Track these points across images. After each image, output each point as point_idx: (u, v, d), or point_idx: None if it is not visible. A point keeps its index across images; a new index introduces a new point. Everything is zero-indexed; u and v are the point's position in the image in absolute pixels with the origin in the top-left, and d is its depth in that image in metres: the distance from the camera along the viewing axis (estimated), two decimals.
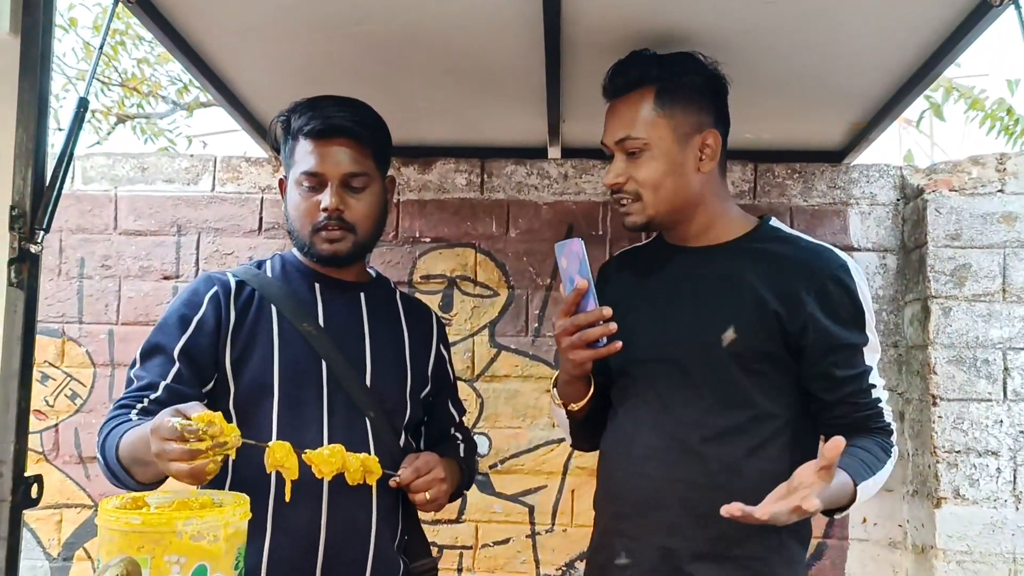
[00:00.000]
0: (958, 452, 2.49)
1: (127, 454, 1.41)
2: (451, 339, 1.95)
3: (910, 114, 4.51)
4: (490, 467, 2.74)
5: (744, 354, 1.55)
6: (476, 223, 2.81)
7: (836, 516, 1.51)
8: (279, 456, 1.40)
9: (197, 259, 2.82)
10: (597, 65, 1.67)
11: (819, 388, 1.56)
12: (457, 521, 2.75)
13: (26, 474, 1.41)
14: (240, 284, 1.66)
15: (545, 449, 2.73)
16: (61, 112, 5.19)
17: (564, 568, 2.72)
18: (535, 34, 1.82)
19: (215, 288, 1.63)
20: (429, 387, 1.79)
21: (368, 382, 1.65)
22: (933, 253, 2.55)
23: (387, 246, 2.78)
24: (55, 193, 1.43)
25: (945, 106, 4.55)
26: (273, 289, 1.66)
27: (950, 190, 2.58)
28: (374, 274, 1.82)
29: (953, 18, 1.73)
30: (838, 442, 1.29)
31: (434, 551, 1.83)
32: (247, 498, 1.30)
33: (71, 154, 1.47)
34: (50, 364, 2.81)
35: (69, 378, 2.81)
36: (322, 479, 1.49)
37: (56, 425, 2.80)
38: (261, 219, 2.84)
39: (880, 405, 1.56)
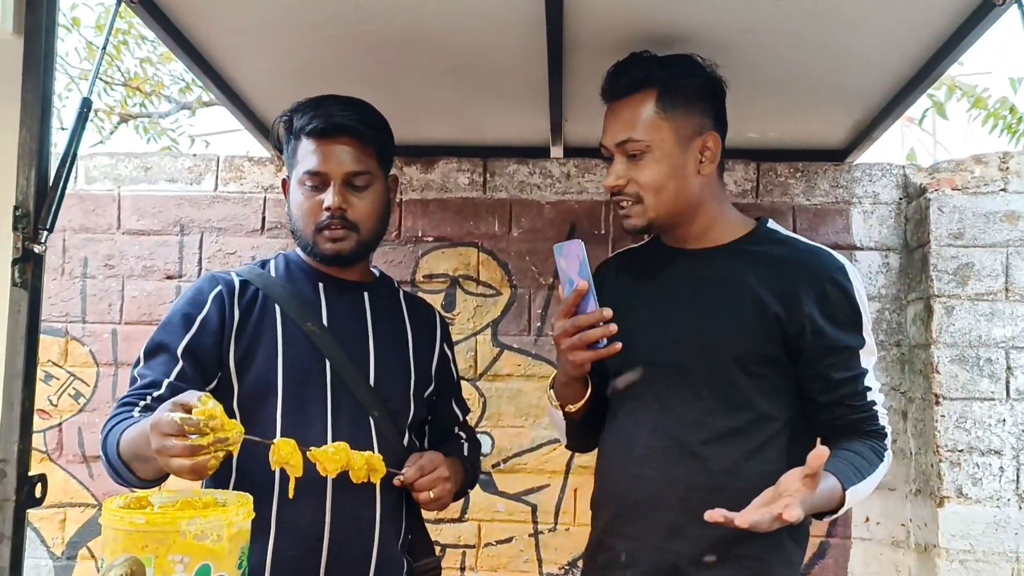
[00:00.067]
0: (961, 451, 2.49)
1: (128, 450, 1.41)
2: (454, 338, 1.95)
3: (913, 113, 4.51)
4: (493, 466, 2.74)
5: (744, 356, 1.55)
6: (479, 222, 2.81)
7: (825, 519, 1.51)
8: (284, 453, 1.40)
9: (200, 259, 2.83)
10: (599, 64, 1.67)
11: (815, 389, 1.56)
12: (460, 520, 2.75)
13: (30, 473, 1.41)
14: (244, 283, 1.66)
15: (548, 448, 2.73)
16: (64, 112, 5.20)
17: (567, 567, 2.72)
18: (537, 33, 1.82)
19: (219, 287, 1.64)
20: (433, 386, 1.79)
21: (372, 381, 1.65)
22: (936, 252, 2.54)
23: (390, 245, 2.78)
24: (58, 193, 1.43)
25: (948, 105, 4.55)
26: (277, 288, 1.66)
27: (953, 189, 2.58)
28: (377, 273, 1.83)
29: (956, 17, 1.73)
30: (822, 451, 1.31)
31: (437, 550, 1.83)
32: (250, 497, 1.30)
33: (74, 154, 1.47)
34: (54, 363, 2.81)
35: (73, 377, 2.82)
36: (326, 478, 1.50)
37: (60, 424, 2.81)
38: (264, 219, 2.84)
39: (875, 408, 1.56)
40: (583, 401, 1.65)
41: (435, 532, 2.65)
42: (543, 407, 2.75)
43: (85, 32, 5.35)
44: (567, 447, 1.86)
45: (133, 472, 1.43)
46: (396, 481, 1.58)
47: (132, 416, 1.47)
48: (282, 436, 1.47)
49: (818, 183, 2.76)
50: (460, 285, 2.80)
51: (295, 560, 1.55)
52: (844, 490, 1.43)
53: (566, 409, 1.67)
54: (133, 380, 1.57)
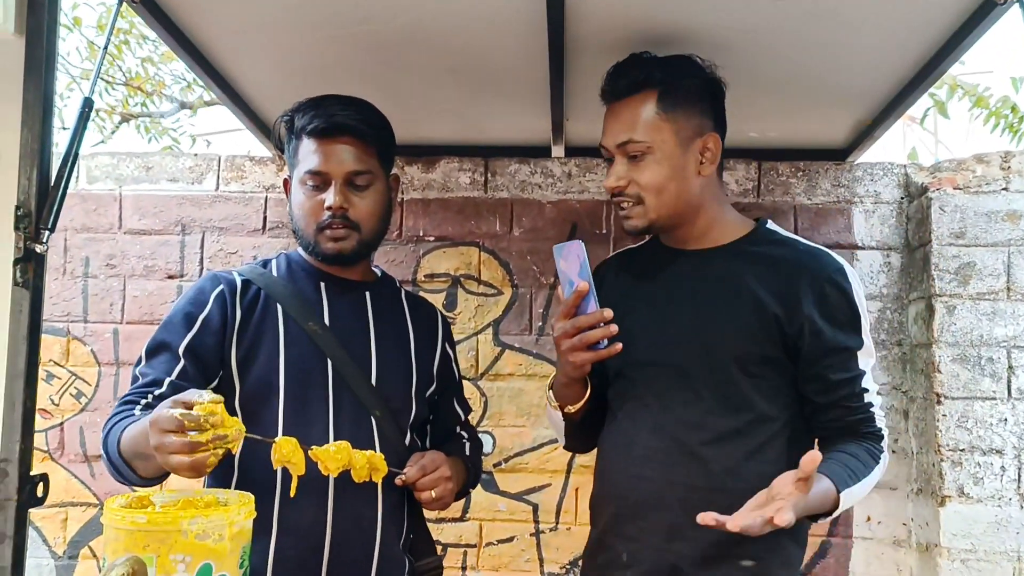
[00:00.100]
0: (962, 450, 2.49)
1: (129, 448, 1.41)
2: (455, 338, 1.95)
3: (914, 112, 4.50)
4: (494, 466, 2.74)
5: (744, 357, 1.55)
6: (480, 222, 2.81)
7: (819, 521, 1.52)
8: (286, 452, 1.40)
9: (201, 258, 2.83)
10: (601, 63, 1.67)
11: (813, 391, 1.57)
12: (461, 519, 2.75)
13: (32, 473, 1.41)
14: (246, 283, 1.66)
15: (549, 448, 2.73)
16: (66, 111, 5.20)
17: (568, 566, 2.72)
18: (538, 32, 1.82)
19: (221, 287, 1.64)
20: (434, 386, 1.79)
21: (374, 381, 1.65)
22: (937, 251, 2.54)
23: (391, 245, 2.78)
24: (60, 193, 1.43)
25: (949, 104, 4.54)
26: (279, 288, 1.66)
27: (954, 188, 2.58)
28: (379, 273, 1.83)
29: (957, 16, 1.73)
30: (814, 456, 1.31)
31: (438, 549, 1.83)
32: (252, 497, 1.30)
33: (76, 153, 1.47)
34: (55, 363, 2.82)
35: (74, 377, 2.82)
36: (328, 477, 1.50)
37: (61, 424, 2.81)
38: (265, 218, 2.84)
39: (872, 410, 1.56)
40: (583, 402, 1.65)
41: (436, 531, 2.65)
42: (544, 407, 2.75)
43: (86, 32, 5.36)
44: (565, 448, 1.86)
45: (134, 470, 1.43)
46: (398, 480, 1.58)
47: (133, 414, 1.47)
48: (284, 435, 1.47)
49: (819, 182, 2.76)
50: (461, 284, 2.80)
51: (297, 559, 1.55)
52: (838, 493, 1.44)
53: (565, 410, 1.67)
54: (134, 379, 1.57)
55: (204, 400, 1.24)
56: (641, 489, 1.59)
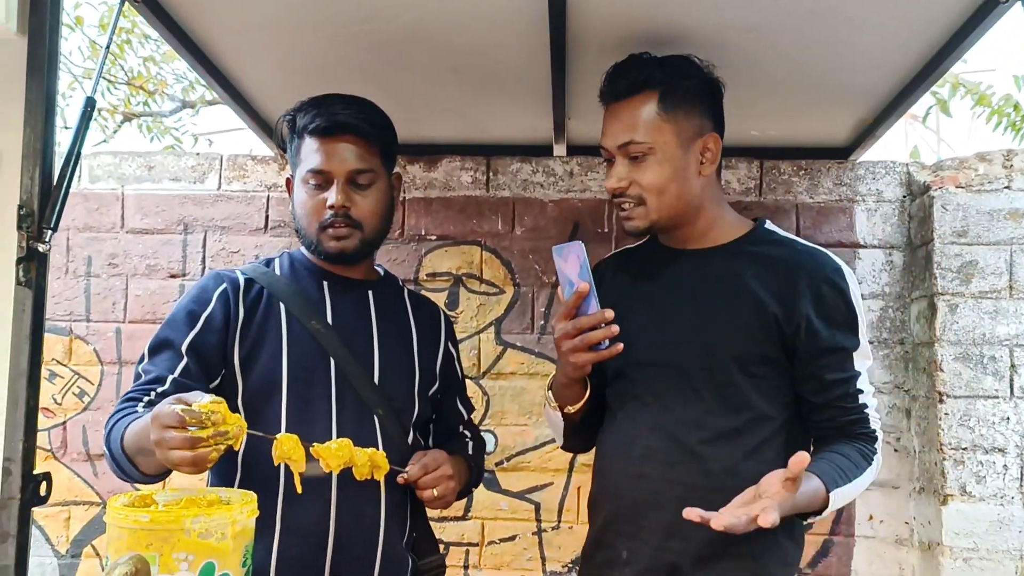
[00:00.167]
0: (965, 449, 2.48)
1: (132, 444, 1.41)
2: (457, 337, 1.95)
3: (916, 110, 4.50)
4: (496, 464, 2.75)
5: (744, 357, 1.55)
6: (482, 221, 2.81)
7: (810, 520, 1.52)
8: (287, 448, 1.40)
9: (203, 257, 2.83)
10: (603, 62, 1.67)
11: (808, 390, 1.57)
12: (463, 518, 2.75)
13: (34, 472, 1.42)
14: (249, 282, 1.66)
15: (551, 446, 2.73)
16: (68, 111, 5.21)
17: (570, 565, 2.72)
18: (540, 31, 1.82)
19: (224, 285, 1.64)
20: (437, 385, 1.79)
21: (376, 380, 1.65)
22: (939, 250, 2.54)
23: (393, 244, 2.78)
24: (62, 192, 1.44)
25: (952, 102, 4.54)
26: (281, 287, 1.66)
27: (956, 187, 2.58)
28: (382, 272, 1.83)
29: (959, 14, 1.73)
30: (803, 457, 1.32)
31: (440, 548, 1.83)
32: (254, 496, 1.31)
33: (78, 153, 1.48)
34: (58, 362, 2.82)
35: (77, 376, 2.83)
36: (331, 476, 1.50)
37: (64, 423, 2.82)
38: (267, 217, 2.84)
39: (866, 411, 1.57)
40: (582, 402, 1.65)
41: (438, 530, 2.66)
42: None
43: (88, 31, 5.36)
44: (563, 448, 1.86)
45: (136, 467, 1.43)
46: (400, 479, 1.59)
47: (136, 411, 1.47)
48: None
49: (821, 181, 2.75)
50: (463, 283, 2.80)
51: (300, 558, 1.55)
52: (828, 492, 1.44)
53: (565, 410, 1.67)
54: (137, 376, 1.57)
55: (205, 401, 1.24)
56: (640, 488, 1.59)
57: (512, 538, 2.75)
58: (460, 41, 1.91)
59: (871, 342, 2.64)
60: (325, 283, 1.70)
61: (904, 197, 2.73)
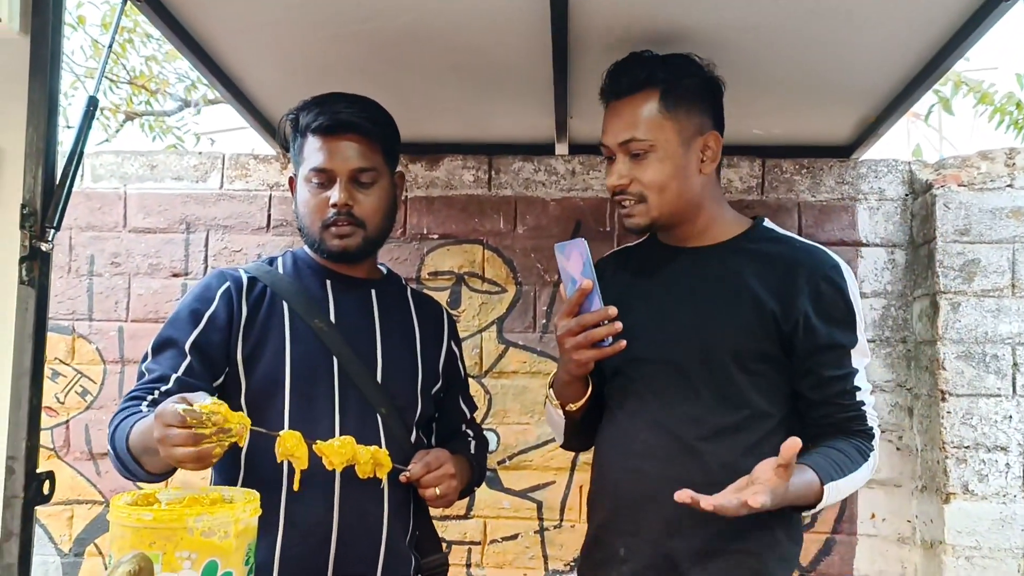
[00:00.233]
0: (967, 447, 2.48)
1: (137, 444, 1.41)
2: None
3: (919, 108, 4.49)
4: (498, 463, 2.75)
5: (742, 354, 1.56)
6: (484, 219, 2.81)
7: (805, 513, 1.52)
8: (289, 445, 1.41)
9: (206, 256, 2.83)
10: (604, 61, 1.67)
11: (806, 387, 1.57)
12: (465, 517, 2.75)
13: (38, 471, 1.42)
14: (252, 280, 1.66)
15: (553, 445, 2.73)
16: (70, 110, 5.21)
17: (572, 564, 2.72)
18: (542, 30, 1.82)
19: (227, 284, 1.64)
20: (440, 383, 1.79)
21: (379, 378, 1.65)
22: (942, 248, 2.54)
23: (395, 243, 2.78)
24: (65, 191, 1.44)
25: (954, 100, 4.54)
26: (285, 285, 1.67)
27: (959, 185, 2.57)
28: (385, 271, 1.83)
29: (962, 12, 1.73)
30: (794, 442, 1.32)
31: (443, 546, 1.83)
32: (257, 494, 1.31)
33: (81, 152, 1.48)
34: (61, 361, 2.83)
35: (79, 375, 2.83)
36: (334, 474, 1.51)
37: (67, 422, 2.82)
38: (269, 216, 2.84)
39: (864, 408, 1.57)
40: (584, 400, 1.66)
41: (441, 529, 2.65)
42: None
43: (90, 30, 5.37)
44: (563, 447, 1.86)
45: (142, 466, 1.43)
46: (402, 477, 1.59)
47: (140, 410, 1.47)
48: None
49: (823, 179, 2.75)
50: (465, 282, 2.80)
51: (303, 556, 1.56)
52: (822, 485, 1.44)
53: (567, 408, 1.67)
54: (141, 375, 1.57)
55: (206, 402, 1.25)
56: (639, 484, 1.60)
57: (514, 537, 2.75)
58: (461, 40, 1.92)
59: (873, 340, 2.65)
60: (328, 282, 1.70)
61: (906, 195, 2.73)
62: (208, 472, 1.56)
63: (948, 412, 2.50)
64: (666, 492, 1.55)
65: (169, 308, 2.68)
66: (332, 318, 1.66)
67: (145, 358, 1.59)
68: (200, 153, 2.93)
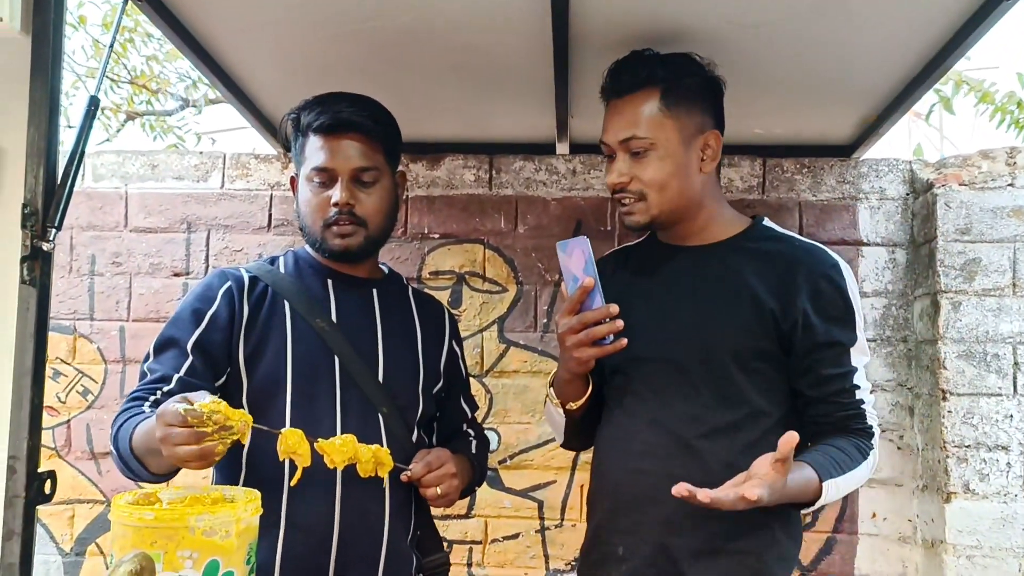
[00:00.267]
0: (968, 447, 2.48)
1: (141, 444, 1.41)
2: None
3: (920, 108, 4.49)
4: (499, 462, 2.75)
5: (742, 352, 1.56)
6: (485, 219, 2.81)
7: (805, 511, 1.52)
8: (291, 443, 1.41)
9: (207, 256, 2.84)
10: (605, 60, 1.68)
11: (805, 385, 1.57)
12: (466, 516, 2.76)
13: (39, 470, 1.42)
14: (253, 280, 1.66)
15: (554, 444, 2.73)
16: (71, 110, 5.21)
17: (573, 563, 2.72)
18: (542, 30, 1.82)
19: (228, 283, 1.64)
20: (441, 383, 1.79)
21: (381, 378, 1.66)
22: (943, 248, 2.54)
23: (396, 242, 2.79)
24: (66, 191, 1.44)
25: (955, 99, 4.53)
26: (286, 285, 1.67)
27: (960, 184, 2.57)
28: (386, 270, 1.83)
29: (963, 11, 1.73)
30: (791, 436, 1.32)
31: (444, 546, 1.83)
32: (258, 494, 1.31)
33: (82, 152, 1.48)
34: (62, 361, 2.83)
35: (81, 375, 2.83)
36: (335, 473, 1.51)
37: (68, 421, 2.82)
38: (270, 216, 2.85)
39: (863, 407, 1.57)
40: (584, 398, 1.66)
41: (442, 528, 2.64)
42: None
43: (92, 30, 5.36)
44: (563, 446, 1.86)
45: (145, 466, 1.43)
46: (403, 477, 1.59)
47: (142, 411, 1.47)
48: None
49: (824, 179, 2.75)
50: (466, 282, 2.80)
51: (305, 556, 1.56)
52: (821, 481, 1.44)
53: (567, 407, 1.67)
54: (143, 375, 1.58)
55: (206, 401, 1.25)
56: (638, 483, 1.60)
57: (515, 536, 2.75)
58: (462, 39, 1.92)
59: (874, 340, 2.65)
60: (330, 281, 1.70)
61: (907, 195, 2.73)
62: (210, 471, 1.56)
63: (949, 411, 2.50)
64: (665, 491, 1.55)
65: (170, 308, 2.68)
66: (334, 317, 1.66)
67: (147, 358, 1.60)
68: (201, 153, 2.93)
